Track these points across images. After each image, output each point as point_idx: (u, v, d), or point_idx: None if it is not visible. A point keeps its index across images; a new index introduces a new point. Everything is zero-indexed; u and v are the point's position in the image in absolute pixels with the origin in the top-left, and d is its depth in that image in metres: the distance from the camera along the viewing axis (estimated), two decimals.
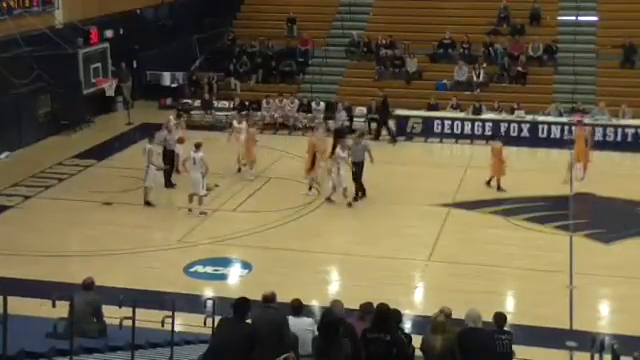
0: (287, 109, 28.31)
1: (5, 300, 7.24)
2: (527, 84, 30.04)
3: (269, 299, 9.53)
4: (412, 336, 9.76)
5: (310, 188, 21.19)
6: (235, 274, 17.00)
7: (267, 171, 22.89)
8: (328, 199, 20.68)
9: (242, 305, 8.90)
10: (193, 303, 14.05)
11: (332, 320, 8.71)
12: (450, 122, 27.24)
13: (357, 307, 10.32)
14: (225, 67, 32.02)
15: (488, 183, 21.61)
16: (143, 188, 20.22)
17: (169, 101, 30.86)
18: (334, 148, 25.19)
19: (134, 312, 10.08)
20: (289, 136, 27.51)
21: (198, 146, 19.99)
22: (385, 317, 9.07)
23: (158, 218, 19.77)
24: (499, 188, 21.33)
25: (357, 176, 20.98)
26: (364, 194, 21.02)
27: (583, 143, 22.40)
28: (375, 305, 9.39)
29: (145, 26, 32.07)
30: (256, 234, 18.55)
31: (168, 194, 21.15)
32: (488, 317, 9.72)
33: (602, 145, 25.91)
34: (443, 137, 27.17)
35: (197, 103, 29.74)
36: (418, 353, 9.47)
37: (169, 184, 21.60)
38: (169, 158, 21.70)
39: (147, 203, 20.18)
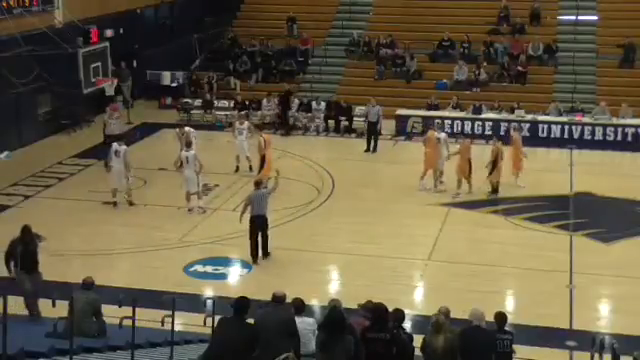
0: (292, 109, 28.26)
1: (5, 300, 7.24)
2: (527, 83, 30.06)
3: (280, 299, 9.53)
4: (413, 336, 9.77)
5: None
6: (235, 273, 17.00)
7: None
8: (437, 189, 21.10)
9: (242, 304, 8.91)
10: (193, 302, 14.04)
11: (337, 317, 8.72)
12: (450, 121, 27.20)
13: (356, 306, 10.35)
14: (225, 66, 32.03)
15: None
16: (126, 190, 20.21)
17: (169, 100, 30.86)
18: (376, 141, 25.21)
19: (134, 311, 10.09)
20: (289, 136, 27.49)
21: (189, 145, 20.07)
22: (385, 316, 9.08)
23: (158, 217, 19.75)
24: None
25: (254, 232, 16.80)
26: (265, 255, 17.06)
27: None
28: (375, 304, 9.40)
29: (145, 25, 32.07)
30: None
31: (167, 194, 21.13)
32: (488, 317, 9.74)
33: (602, 145, 25.98)
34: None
35: (197, 102, 29.77)
36: (418, 353, 9.47)
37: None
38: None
39: (131, 203, 20.21)
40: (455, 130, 27.10)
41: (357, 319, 9.47)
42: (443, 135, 22.16)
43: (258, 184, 17.19)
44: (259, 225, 16.83)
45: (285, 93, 28.61)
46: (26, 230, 13.37)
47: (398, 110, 28.02)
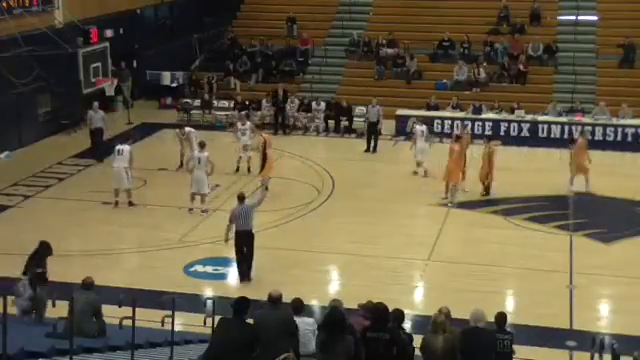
0: (287, 108, 28.27)
1: (5, 300, 7.23)
2: (527, 84, 30.08)
3: (277, 299, 9.53)
4: (413, 336, 9.76)
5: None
6: (235, 273, 16.96)
7: None
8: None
9: (242, 305, 8.90)
10: (193, 303, 14.05)
11: (337, 317, 8.71)
12: (450, 122, 27.21)
13: (356, 306, 10.34)
14: (225, 67, 32.03)
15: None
16: (126, 190, 20.21)
17: (169, 101, 30.88)
18: (376, 141, 25.46)
19: (134, 312, 10.08)
20: (289, 136, 27.50)
21: (202, 145, 20.08)
22: (385, 316, 9.08)
23: (158, 217, 19.75)
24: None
25: (240, 249, 16.10)
26: (248, 277, 16.17)
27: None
28: (375, 304, 9.39)
29: (145, 26, 32.09)
30: (256, 234, 18.49)
31: (167, 194, 21.13)
32: (489, 317, 9.73)
33: (602, 145, 25.96)
34: (443, 137, 27.13)
35: (197, 103, 29.78)
36: (418, 353, 9.46)
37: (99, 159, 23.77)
38: (94, 138, 24.21)
39: (131, 203, 20.24)
40: (455, 130, 27.14)
41: (357, 319, 9.47)
42: (424, 127, 23.24)
43: (241, 198, 16.19)
44: (243, 241, 16.01)
45: (276, 93, 28.24)
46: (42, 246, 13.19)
47: (398, 110, 28.02)
